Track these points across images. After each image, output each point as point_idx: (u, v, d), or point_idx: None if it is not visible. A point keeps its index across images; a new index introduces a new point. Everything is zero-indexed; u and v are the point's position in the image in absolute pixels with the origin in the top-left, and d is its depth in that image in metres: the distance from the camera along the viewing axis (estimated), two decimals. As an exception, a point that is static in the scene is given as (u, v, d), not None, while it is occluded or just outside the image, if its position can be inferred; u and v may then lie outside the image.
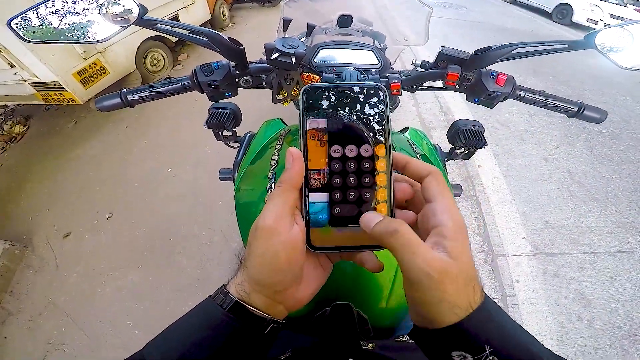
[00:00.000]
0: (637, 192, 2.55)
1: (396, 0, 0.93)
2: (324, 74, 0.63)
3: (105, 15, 0.50)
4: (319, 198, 0.29)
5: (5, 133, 2.99)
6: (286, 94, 0.62)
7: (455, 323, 0.25)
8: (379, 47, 0.95)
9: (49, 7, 0.50)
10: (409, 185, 0.31)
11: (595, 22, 7.74)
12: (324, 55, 0.74)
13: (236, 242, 1.87)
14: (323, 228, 0.29)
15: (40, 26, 0.51)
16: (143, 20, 0.51)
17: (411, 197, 0.31)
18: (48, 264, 1.90)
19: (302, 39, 0.72)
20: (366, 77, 0.62)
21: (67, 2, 0.50)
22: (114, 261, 1.89)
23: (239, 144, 0.83)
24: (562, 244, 2.06)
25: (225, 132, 0.77)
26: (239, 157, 0.80)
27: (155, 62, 3.64)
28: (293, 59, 0.51)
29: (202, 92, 0.62)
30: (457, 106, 3.15)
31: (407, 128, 0.82)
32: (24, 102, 2.91)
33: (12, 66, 2.43)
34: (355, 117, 0.28)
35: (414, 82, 0.66)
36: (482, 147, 0.71)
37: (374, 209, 0.29)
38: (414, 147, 0.69)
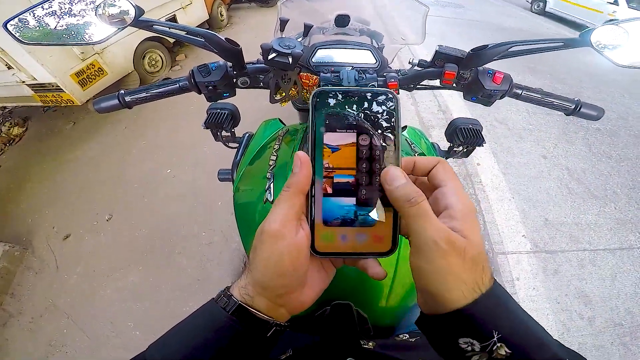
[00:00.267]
0: (636, 189, 2.55)
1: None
2: (321, 74, 0.62)
3: (101, 16, 0.50)
4: (335, 198, 0.28)
5: (4, 135, 2.99)
6: (284, 94, 0.62)
7: (462, 307, 0.24)
8: (377, 46, 0.95)
9: (46, 9, 0.50)
10: None
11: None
12: (321, 55, 0.74)
13: (236, 242, 1.87)
14: (328, 233, 0.29)
15: (37, 28, 0.51)
16: (139, 22, 0.51)
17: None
18: (48, 265, 1.90)
19: (299, 39, 0.72)
20: (364, 76, 0.62)
21: (64, 4, 0.50)
22: (114, 262, 1.89)
23: (237, 145, 0.83)
24: (562, 241, 2.06)
25: (223, 133, 0.77)
26: (238, 158, 0.80)
27: (154, 62, 3.64)
28: (290, 59, 0.51)
29: (199, 92, 0.62)
30: (456, 105, 3.15)
31: (405, 127, 0.82)
32: (21, 104, 2.91)
33: (9, 67, 2.43)
34: (365, 121, 0.28)
35: (412, 81, 0.66)
36: (480, 145, 0.72)
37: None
38: (412, 145, 0.69)
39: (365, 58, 0.74)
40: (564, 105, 0.65)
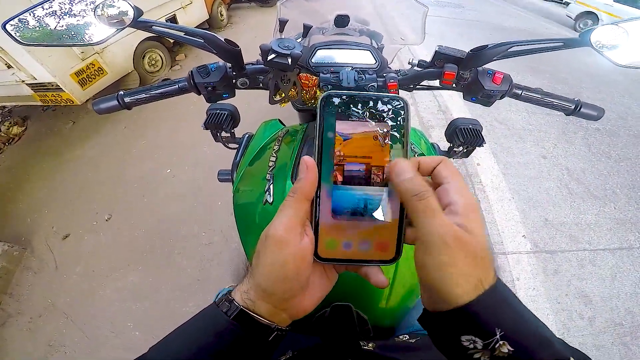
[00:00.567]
0: (636, 189, 2.56)
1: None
2: (321, 75, 0.62)
3: (100, 17, 0.50)
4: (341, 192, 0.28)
5: (3, 134, 2.99)
6: (283, 94, 0.62)
7: (465, 304, 0.24)
8: (376, 46, 0.95)
9: (45, 10, 0.49)
10: None
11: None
12: (321, 55, 0.73)
13: (236, 242, 1.87)
14: (332, 239, 0.28)
15: (36, 29, 0.51)
16: (139, 23, 0.51)
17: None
18: (47, 265, 1.90)
19: (299, 40, 0.72)
20: (363, 77, 0.61)
21: (63, 4, 0.50)
22: (113, 262, 1.88)
23: (237, 145, 0.83)
24: (562, 241, 2.07)
25: (223, 134, 0.77)
26: (238, 158, 0.80)
27: (153, 62, 3.64)
28: (289, 60, 0.51)
29: (199, 93, 0.62)
30: (456, 105, 3.15)
31: None
32: (21, 103, 2.91)
33: (9, 67, 2.42)
34: (374, 126, 0.28)
35: (411, 81, 0.66)
36: (480, 145, 0.71)
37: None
38: (412, 146, 0.69)
39: (364, 58, 0.74)
40: (564, 106, 0.65)
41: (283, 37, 0.65)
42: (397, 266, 0.54)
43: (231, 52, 0.56)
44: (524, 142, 2.89)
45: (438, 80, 0.63)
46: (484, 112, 2.97)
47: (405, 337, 0.51)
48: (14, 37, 0.50)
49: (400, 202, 0.28)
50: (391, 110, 0.28)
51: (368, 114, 0.28)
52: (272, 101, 0.63)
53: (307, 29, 0.66)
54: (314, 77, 0.64)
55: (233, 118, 0.74)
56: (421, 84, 0.68)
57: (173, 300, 1.68)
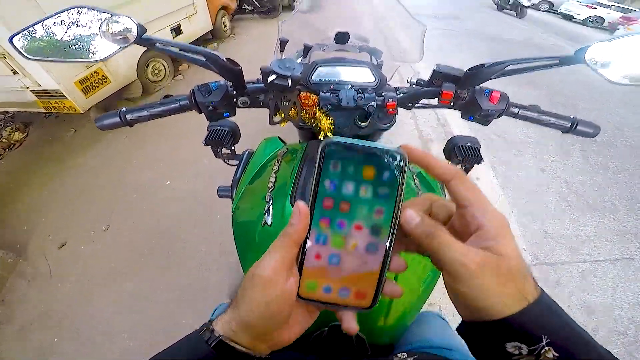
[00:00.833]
0: (634, 200, 2.57)
1: (391, 19, 0.94)
2: (321, 93, 0.63)
3: (104, 34, 0.51)
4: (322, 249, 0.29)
5: (4, 140, 2.99)
6: (283, 115, 0.63)
7: (510, 316, 0.25)
8: (376, 63, 0.96)
9: (51, 24, 0.50)
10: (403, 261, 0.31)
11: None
12: (321, 72, 0.75)
13: (234, 256, 1.85)
14: (313, 282, 0.29)
15: (42, 43, 0.52)
16: (142, 40, 0.51)
17: (404, 270, 0.31)
18: (42, 273, 1.87)
19: (299, 59, 0.73)
20: (362, 96, 0.62)
21: (69, 20, 0.51)
22: (110, 272, 1.86)
23: (237, 162, 0.83)
24: (562, 253, 2.07)
25: (224, 150, 0.78)
26: (238, 175, 0.80)
27: (157, 71, 3.67)
28: (289, 82, 0.51)
29: (200, 112, 0.62)
30: (455, 119, 3.18)
31: None
32: (24, 109, 2.91)
33: (15, 73, 2.44)
34: (370, 179, 0.28)
35: (410, 100, 0.67)
36: (478, 163, 0.72)
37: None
38: (411, 166, 0.69)
39: (364, 76, 0.75)
40: (560, 124, 0.65)
41: (284, 56, 0.67)
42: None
43: (232, 71, 0.57)
44: (522, 155, 2.91)
45: (436, 99, 0.64)
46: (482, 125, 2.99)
47: (404, 354, 0.50)
48: (20, 51, 0.51)
49: (382, 256, 0.28)
50: (390, 164, 0.27)
51: (365, 167, 0.28)
52: (271, 122, 0.63)
53: (307, 49, 0.67)
54: (314, 96, 0.64)
55: (234, 135, 0.74)
56: (420, 102, 0.68)
57: (169, 312, 1.66)
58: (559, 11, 13.47)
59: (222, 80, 0.61)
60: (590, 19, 12.65)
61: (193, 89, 0.60)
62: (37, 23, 0.50)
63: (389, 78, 0.89)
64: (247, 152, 0.85)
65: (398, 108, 0.65)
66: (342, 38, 0.93)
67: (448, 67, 0.62)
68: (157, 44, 0.54)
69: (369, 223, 0.28)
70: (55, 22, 0.51)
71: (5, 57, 2.32)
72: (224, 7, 5.43)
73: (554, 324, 0.25)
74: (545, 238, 2.16)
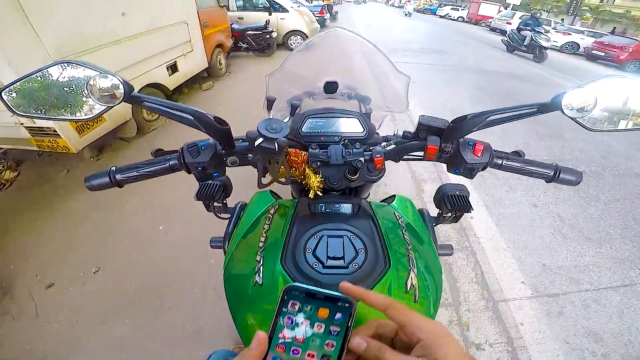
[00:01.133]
0: (629, 228, 2.60)
1: (377, 68, 0.98)
2: (310, 150, 0.63)
3: (91, 92, 0.50)
4: None
5: (-5, 179, 2.95)
6: (272, 177, 0.62)
7: None
8: (365, 110, 0.99)
9: (38, 80, 0.49)
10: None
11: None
12: (311, 124, 0.76)
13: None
14: None
15: (29, 99, 0.51)
16: (130, 98, 0.51)
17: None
18: (27, 312, 1.79)
19: (286, 119, 0.74)
20: (351, 152, 0.63)
21: (56, 76, 0.50)
22: (99, 314, 1.79)
23: (229, 215, 0.82)
24: (563, 284, 2.06)
25: (215, 204, 0.77)
26: (230, 229, 0.79)
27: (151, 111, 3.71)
28: (276, 146, 0.50)
29: (189, 172, 0.61)
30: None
31: (393, 196, 0.83)
32: (17, 147, 2.86)
33: (10, 108, 2.45)
34: (324, 318, 0.33)
35: (396, 154, 0.68)
36: (468, 211, 0.72)
37: None
38: (400, 219, 0.69)
39: (353, 126, 0.77)
40: (543, 173, 0.65)
41: (271, 115, 0.68)
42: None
43: (220, 130, 0.56)
44: (514, 191, 2.96)
45: (423, 152, 0.65)
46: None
47: None
48: (9, 105, 0.50)
49: None
50: (341, 308, 0.33)
51: (320, 308, 0.33)
52: (260, 185, 0.63)
53: (294, 109, 0.69)
54: (303, 153, 0.64)
55: (225, 189, 0.74)
56: (407, 154, 0.69)
57: (161, 358, 1.57)
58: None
59: (211, 139, 0.60)
60: (567, 46, 13.25)
61: (182, 148, 0.60)
62: (25, 77, 0.49)
63: (378, 127, 0.92)
64: (239, 205, 0.84)
65: (385, 161, 0.66)
66: (331, 88, 0.96)
67: (432, 118, 0.63)
68: (145, 102, 0.53)
69: (320, 353, 0.31)
70: (42, 77, 0.50)
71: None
72: (219, 45, 5.61)
73: None
74: (544, 271, 2.14)
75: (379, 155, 0.62)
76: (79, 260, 2.11)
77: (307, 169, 0.64)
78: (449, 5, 30.03)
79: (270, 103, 0.71)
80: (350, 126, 0.76)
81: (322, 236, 0.57)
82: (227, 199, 0.77)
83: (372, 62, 0.96)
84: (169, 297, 1.87)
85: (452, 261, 2.14)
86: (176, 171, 0.62)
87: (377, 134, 0.81)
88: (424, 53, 8.79)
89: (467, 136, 0.61)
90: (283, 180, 0.64)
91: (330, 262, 0.53)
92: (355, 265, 0.53)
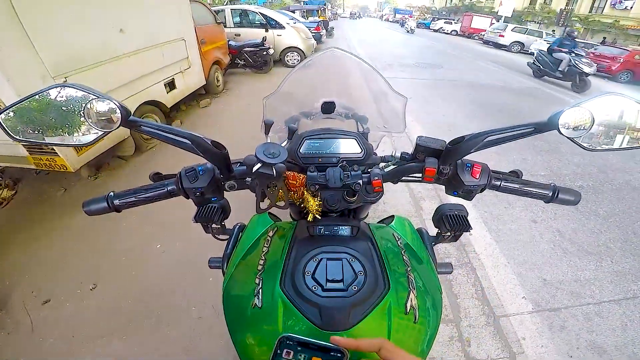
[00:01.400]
0: (629, 242, 2.60)
1: (373, 89, 0.99)
2: (308, 173, 0.63)
3: (88, 117, 0.49)
4: None
5: (-8, 198, 2.92)
6: (270, 202, 0.61)
7: None
8: (362, 129, 1.00)
9: (34, 104, 0.49)
10: None
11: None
12: (309, 145, 0.77)
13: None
14: None
15: (26, 124, 0.50)
16: (128, 123, 0.50)
17: None
18: (23, 327, 1.77)
19: (283, 143, 0.75)
20: (349, 174, 0.63)
21: (53, 100, 0.49)
22: (96, 330, 1.75)
23: (227, 236, 0.81)
24: (564, 298, 2.04)
25: (213, 225, 0.76)
26: (229, 250, 0.78)
27: (150, 129, 3.72)
28: (274, 171, 0.51)
29: (187, 197, 0.61)
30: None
31: (392, 217, 0.82)
32: (14, 165, 2.84)
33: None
34: None
35: (394, 176, 0.68)
36: (467, 231, 0.71)
37: None
38: (399, 240, 0.69)
39: (351, 147, 0.77)
40: (542, 194, 0.65)
41: (269, 139, 0.68)
42: None
43: (218, 155, 0.56)
44: (512, 207, 2.96)
45: (421, 174, 0.64)
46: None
47: None
48: (5, 129, 0.49)
49: None
50: (334, 358, 0.35)
51: (313, 358, 0.36)
52: (259, 210, 0.62)
53: (291, 133, 0.69)
54: (302, 176, 0.64)
55: (224, 210, 0.74)
56: (406, 176, 0.69)
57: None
58: (529, 51, 14.33)
59: (208, 164, 0.60)
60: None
61: (180, 173, 0.60)
62: (21, 101, 0.48)
63: (375, 147, 0.92)
64: (237, 226, 0.84)
65: (384, 184, 0.66)
66: (328, 108, 0.97)
67: (430, 139, 0.63)
68: (142, 127, 0.53)
69: None
70: (38, 101, 0.49)
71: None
72: (217, 62, 5.66)
73: None
74: (544, 285, 2.12)
75: (377, 178, 0.62)
76: (76, 276, 2.09)
77: (305, 192, 0.64)
78: (442, 19, 30.91)
79: (267, 127, 0.72)
80: (348, 147, 0.77)
81: (321, 259, 0.57)
82: (225, 220, 0.76)
83: (369, 82, 0.98)
84: (166, 314, 1.84)
85: (452, 277, 2.12)
86: (174, 196, 0.62)
87: (375, 154, 0.81)
88: (419, 68, 8.98)
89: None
90: (282, 204, 0.64)
91: (330, 285, 0.53)
92: (355, 288, 0.52)
